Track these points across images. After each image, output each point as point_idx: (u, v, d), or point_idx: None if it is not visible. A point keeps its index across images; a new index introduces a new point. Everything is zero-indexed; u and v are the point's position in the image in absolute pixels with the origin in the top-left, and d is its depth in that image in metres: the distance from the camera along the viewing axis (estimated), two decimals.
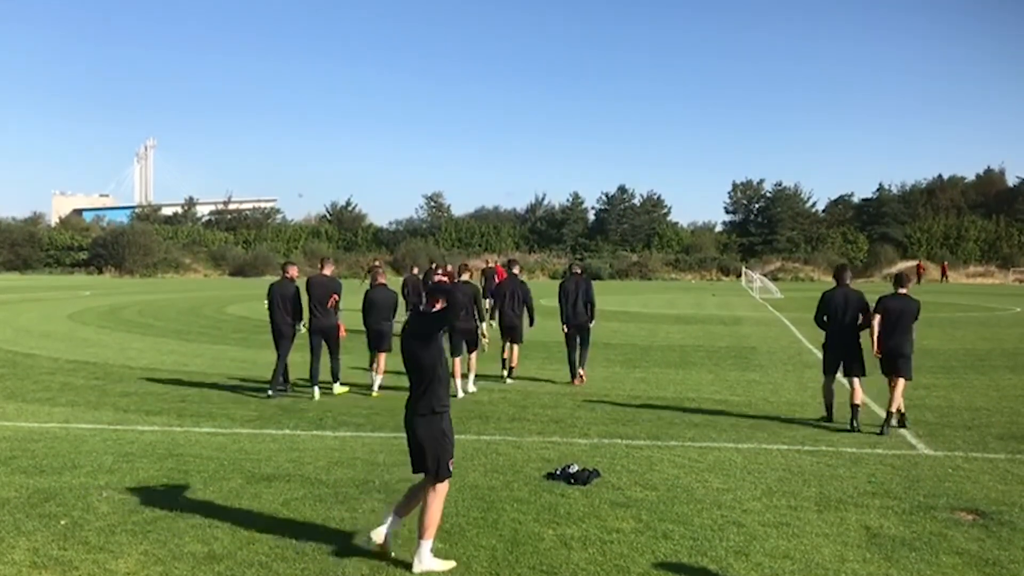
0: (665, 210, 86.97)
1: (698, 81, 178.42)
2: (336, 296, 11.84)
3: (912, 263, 66.61)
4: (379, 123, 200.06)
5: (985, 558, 5.49)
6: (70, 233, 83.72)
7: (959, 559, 5.47)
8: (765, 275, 57.94)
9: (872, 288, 42.58)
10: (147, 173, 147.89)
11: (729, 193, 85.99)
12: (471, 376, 12.11)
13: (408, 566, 5.22)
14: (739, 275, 64.52)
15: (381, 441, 8.83)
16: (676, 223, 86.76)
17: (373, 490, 6.90)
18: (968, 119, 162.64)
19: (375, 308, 12.04)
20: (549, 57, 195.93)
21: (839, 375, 10.08)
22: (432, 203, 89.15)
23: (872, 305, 9.95)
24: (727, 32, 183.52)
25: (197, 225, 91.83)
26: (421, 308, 5.49)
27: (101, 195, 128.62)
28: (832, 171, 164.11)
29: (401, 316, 12.29)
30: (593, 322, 13.22)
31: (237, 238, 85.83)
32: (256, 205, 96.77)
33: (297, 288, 11.99)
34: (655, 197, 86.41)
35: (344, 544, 5.62)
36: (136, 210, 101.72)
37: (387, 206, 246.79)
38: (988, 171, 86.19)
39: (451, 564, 5.24)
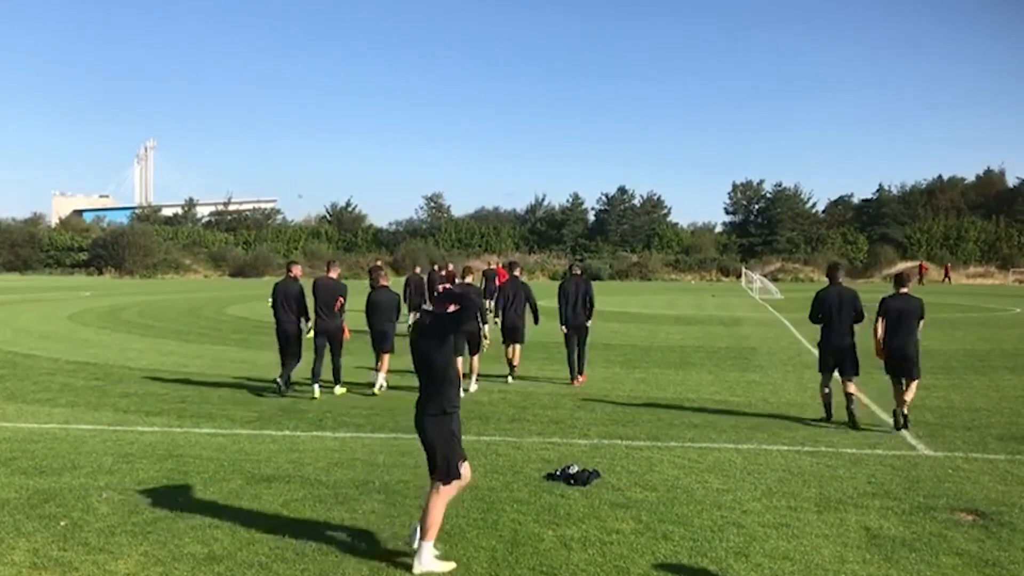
0: (665, 211, 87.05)
1: (698, 82, 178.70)
2: (342, 299, 11.95)
3: (912, 264, 66.67)
4: (379, 123, 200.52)
5: (985, 559, 5.49)
6: (70, 234, 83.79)
7: (959, 560, 5.47)
8: (765, 276, 57.97)
9: (872, 288, 42.62)
10: (147, 174, 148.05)
11: (729, 194, 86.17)
12: (472, 377, 12.19)
13: (408, 567, 5.22)
14: (739, 276, 64.53)
15: (381, 442, 8.83)
16: (676, 224, 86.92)
17: (373, 491, 6.90)
18: (968, 120, 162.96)
19: (378, 309, 12.16)
20: (549, 57, 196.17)
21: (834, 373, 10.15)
22: (432, 204, 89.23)
23: (861, 302, 10.07)
24: (727, 33, 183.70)
25: (197, 226, 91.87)
26: (432, 309, 5.43)
27: (101, 196, 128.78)
28: (832, 172, 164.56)
29: (402, 316, 12.42)
30: (590, 321, 13.31)
31: (237, 239, 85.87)
32: (256, 206, 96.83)
33: (301, 287, 12.09)
34: (655, 198, 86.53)
35: (344, 545, 5.62)
36: (136, 211, 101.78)
37: (387, 207, 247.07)
38: (988, 172, 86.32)
39: (451, 565, 5.24)
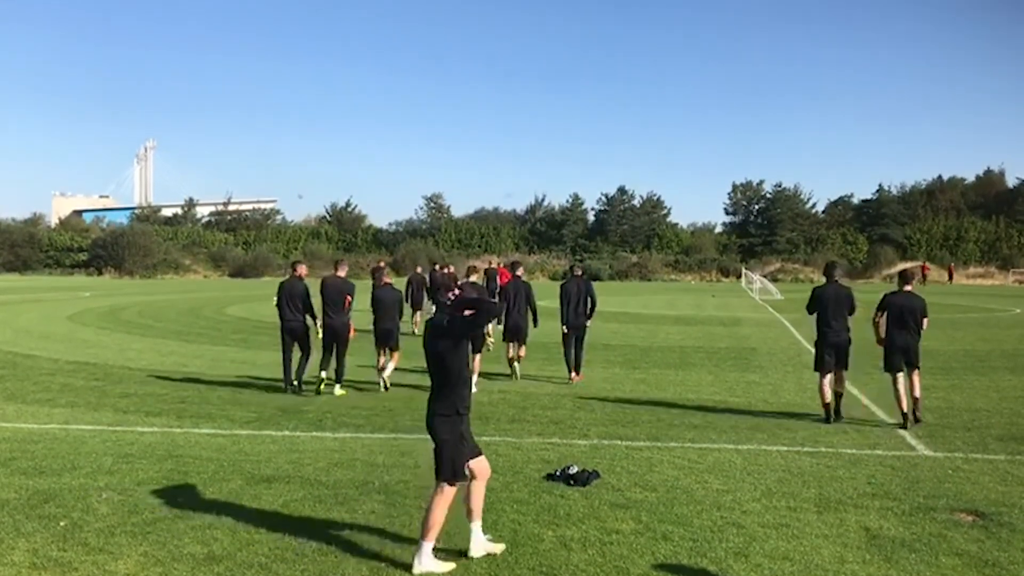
0: (665, 211, 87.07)
1: (698, 82, 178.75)
2: (350, 297, 12.13)
3: (912, 264, 66.71)
4: (379, 123, 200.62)
5: (985, 559, 5.49)
6: (70, 234, 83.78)
7: (959, 560, 5.47)
8: (765, 276, 57.97)
9: (872, 289, 42.60)
10: (147, 174, 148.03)
11: (729, 194, 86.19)
12: (473, 376, 12.19)
13: (408, 567, 5.22)
14: (739, 276, 64.55)
15: (381, 442, 8.83)
16: (676, 224, 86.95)
17: (373, 491, 6.90)
18: (968, 120, 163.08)
19: (383, 307, 12.36)
20: (549, 58, 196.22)
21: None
22: (432, 204, 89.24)
23: (854, 299, 10.30)
24: (727, 33, 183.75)
25: (197, 226, 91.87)
26: (448, 311, 5.41)
27: (101, 196, 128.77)
28: (832, 172, 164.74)
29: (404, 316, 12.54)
30: (591, 321, 13.48)
31: (237, 239, 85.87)
32: (256, 206, 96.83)
33: (306, 287, 12.21)
34: (655, 198, 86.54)
35: (344, 545, 5.62)
36: (136, 211, 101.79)
37: (387, 207, 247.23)
38: (988, 172, 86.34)
39: (451, 566, 5.24)
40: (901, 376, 9.87)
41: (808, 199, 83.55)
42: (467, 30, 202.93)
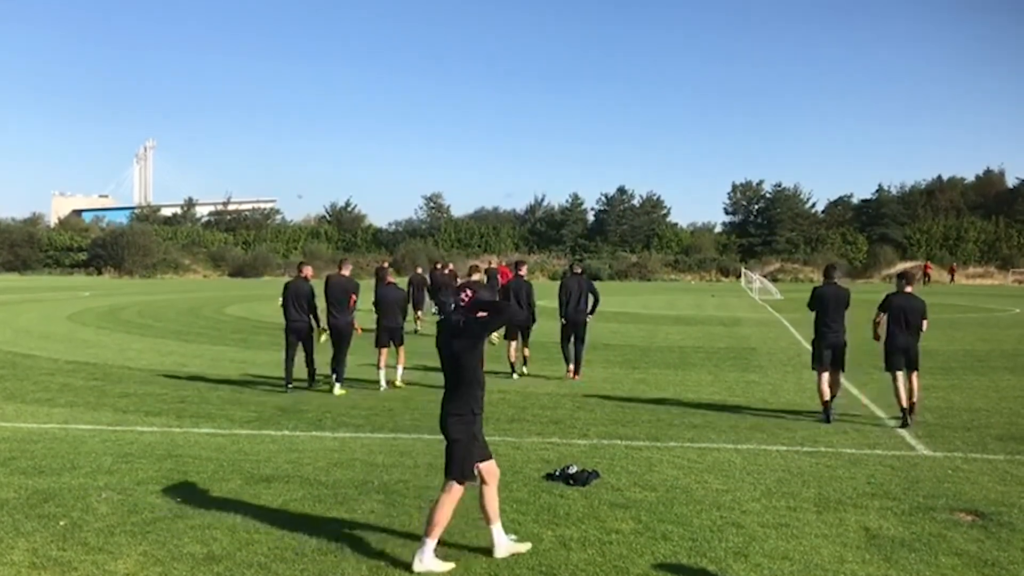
0: (664, 211, 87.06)
1: (698, 82, 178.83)
2: (354, 296, 12.25)
3: (912, 264, 66.77)
4: (379, 123, 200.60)
5: (984, 559, 5.49)
6: (69, 234, 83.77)
7: (958, 560, 5.47)
8: (764, 276, 57.98)
9: (872, 289, 42.60)
10: (146, 174, 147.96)
11: (728, 194, 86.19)
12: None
13: (407, 566, 5.22)
14: (738, 276, 64.56)
15: (380, 442, 8.83)
16: (675, 224, 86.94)
17: (372, 491, 6.90)
18: (968, 120, 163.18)
19: (387, 306, 12.51)
20: (549, 58, 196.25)
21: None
22: (431, 204, 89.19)
23: (850, 300, 10.51)
24: (727, 33, 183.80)
25: (196, 226, 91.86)
26: (464, 311, 5.43)
27: (100, 196, 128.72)
28: (831, 172, 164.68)
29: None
30: (592, 315, 13.73)
31: (236, 239, 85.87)
32: (255, 206, 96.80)
33: (312, 287, 12.32)
34: (654, 198, 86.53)
35: (343, 544, 5.62)
36: (135, 211, 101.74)
37: (386, 207, 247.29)
38: (987, 172, 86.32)
39: (450, 566, 5.24)
40: (901, 375, 9.94)
41: (808, 199, 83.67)
42: (467, 30, 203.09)
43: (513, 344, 13.60)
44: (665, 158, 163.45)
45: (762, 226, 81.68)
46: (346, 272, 12.59)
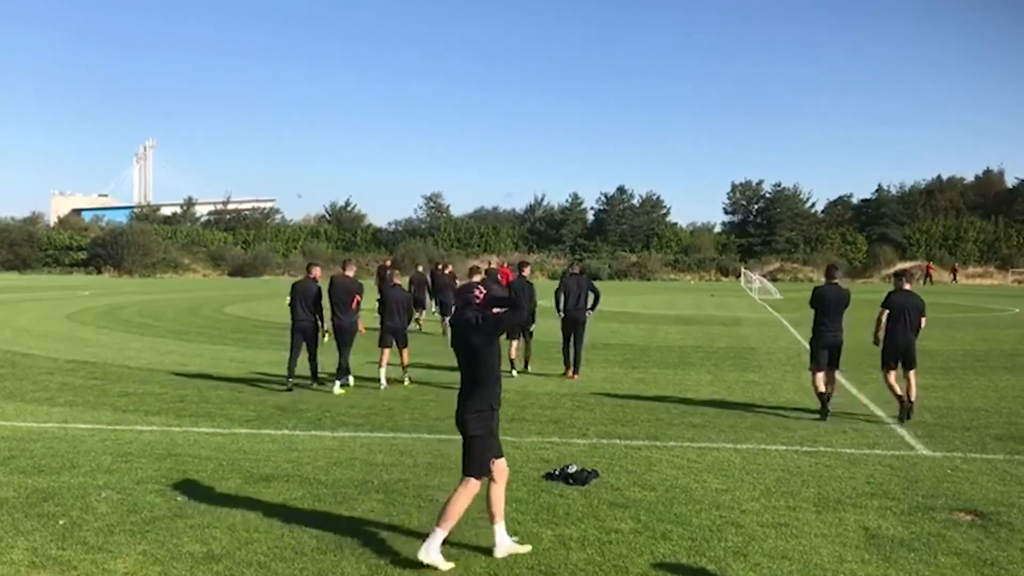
0: (664, 211, 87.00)
1: (697, 82, 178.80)
2: (358, 297, 12.40)
3: (912, 263, 66.82)
4: (379, 123, 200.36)
5: (983, 559, 5.49)
6: (69, 233, 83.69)
7: (957, 560, 5.47)
8: (764, 276, 57.98)
9: (871, 288, 42.60)
10: (146, 173, 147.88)
11: (728, 194, 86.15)
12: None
13: (407, 563, 5.22)
14: (738, 276, 64.57)
15: (380, 441, 8.83)
16: (675, 224, 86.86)
17: (371, 490, 6.90)
18: (967, 120, 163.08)
19: (393, 306, 12.65)
20: (548, 58, 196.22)
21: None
22: (431, 203, 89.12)
23: (849, 301, 10.68)
24: (726, 33, 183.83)
25: (196, 225, 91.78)
26: (480, 308, 5.48)
27: (100, 195, 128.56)
28: (831, 172, 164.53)
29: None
30: (593, 312, 13.87)
31: (236, 238, 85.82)
32: (255, 205, 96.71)
33: (319, 288, 12.44)
34: (654, 197, 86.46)
35: (343, 544, 5.62)
36: (135, 210, 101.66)
37: (386, 206, 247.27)
38: (987, 172, 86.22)
39: (450, 565, 5.24)
40: (894, 373, 10.21)
41: (807, 199, 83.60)
42: (467, 30, 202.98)
43: (515, 344, 13.67)
44: (665, 158, 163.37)
45: (762, 226, 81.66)
46: (350, 273, 12.77)
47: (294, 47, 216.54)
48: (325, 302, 12.34)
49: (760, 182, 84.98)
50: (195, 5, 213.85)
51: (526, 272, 14.17)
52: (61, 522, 6.03)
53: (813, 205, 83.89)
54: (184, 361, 15.43)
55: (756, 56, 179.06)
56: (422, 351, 14.76)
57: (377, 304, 12.96)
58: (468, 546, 5.59)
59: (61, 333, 20.65)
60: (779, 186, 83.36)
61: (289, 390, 12.00)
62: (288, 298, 12.53)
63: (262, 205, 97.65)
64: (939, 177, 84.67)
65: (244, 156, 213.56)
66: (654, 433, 9.32)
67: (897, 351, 10.18)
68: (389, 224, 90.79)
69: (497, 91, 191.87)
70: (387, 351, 12.58)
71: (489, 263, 35.34)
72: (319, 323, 12.40)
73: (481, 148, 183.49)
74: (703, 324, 24.86)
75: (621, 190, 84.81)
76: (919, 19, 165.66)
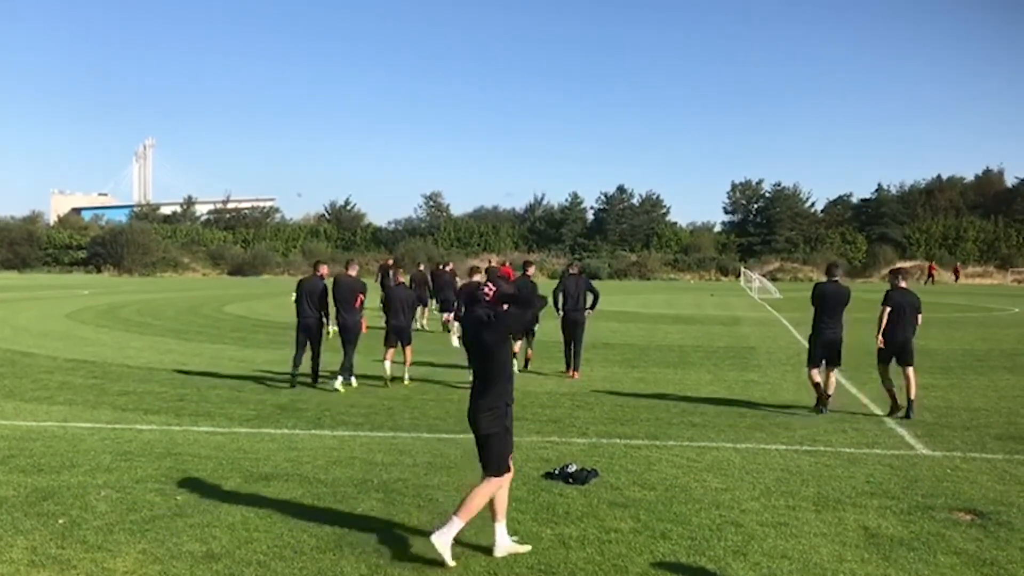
0: (664, 210, 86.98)
1: (697, 81, 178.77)
2: (362, 296, 12.51)
3: (911, 263, 66.89)
4: (378, 122, 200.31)
5: (983, 558, 5.49)
6: (68, 232, 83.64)
7: (957, 559, 5.47)
8: (764, 275, 57.98)
9: (871, 288, 42.59)
10: (146, 172, 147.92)
11: (728, 193, 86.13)
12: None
13: (406, 562, 5.22)
14: (738, 275, 64.57)
15: (379, 440, 8.83)
16: (675, 223, 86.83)
17: (371, 489, 6.90)
18: (967, 120, 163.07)
19: (397, 305, 12.71)
20: (548, 57, 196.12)
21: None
22: (431, 203, 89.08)
23: (849, 299, 10.83)
24: (726, 33, 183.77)
25: (196, 224, 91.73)
26: (485, 304, 5.52)
27: (100, 194, 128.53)
28: (831, 171, 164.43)
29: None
30: (593, 310, 13.93)
31: (236, 237, 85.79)
32: (255, 204, 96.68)
33: (325, 285, 12.61)
34: (654, 197, 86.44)
35: (342, 543, 5.62)
36: (135, 209, 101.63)
37: (386, 206, 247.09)
38: (987, 172, 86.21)
39: (452, 564, 5.25)
40: (889, 368, 10.44)
41: (807, 198, 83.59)
42: (466, 30, 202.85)
43: (518, 343, 13.73)
44: (664, 157, 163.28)
45: (761, 225, 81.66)
46: (353, 272, 12.86)
47: (294, 47, 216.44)
48: (330, 300, 12.47)
49: (760, 181, 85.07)
50: (195, 5, 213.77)
51: (530, 271, 14.21)
52: (60, 521, 6.03)
53: (813, 205, 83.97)
54: (184, 360, 15.43)
55: (756, 56, 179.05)
56: (422, 349, 14.76)
57: (381, 303, 13.03)
58: (468, 545, 5.59)
59: (61, 332, 20.65)
60: (779, 186, 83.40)
61: (292, 386, 12.10)
62: (295, 295, 12.68)
63: (262, 204, 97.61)
64: (939, 177, 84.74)
65: (244, 155, 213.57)
66: (654, 432, 9.33)
67: (894, 348, 10.36)
68: (389, 223, 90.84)
69: (497, 91, 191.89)
70: (392, 351, 12.69)
71: (490, 262, 35.32)
72: (325, 320, 12.53)
73: (481, 147, 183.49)
74: (703, 323, 24.86)
75: (621, 189, 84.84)
76: (919, 19, 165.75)
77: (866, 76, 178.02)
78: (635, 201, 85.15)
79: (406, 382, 12.55)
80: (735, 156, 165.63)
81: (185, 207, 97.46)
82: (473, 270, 13.50)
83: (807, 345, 11.09)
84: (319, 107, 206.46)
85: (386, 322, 12.87)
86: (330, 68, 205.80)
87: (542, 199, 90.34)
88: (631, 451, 8.40)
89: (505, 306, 5.52)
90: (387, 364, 12.57)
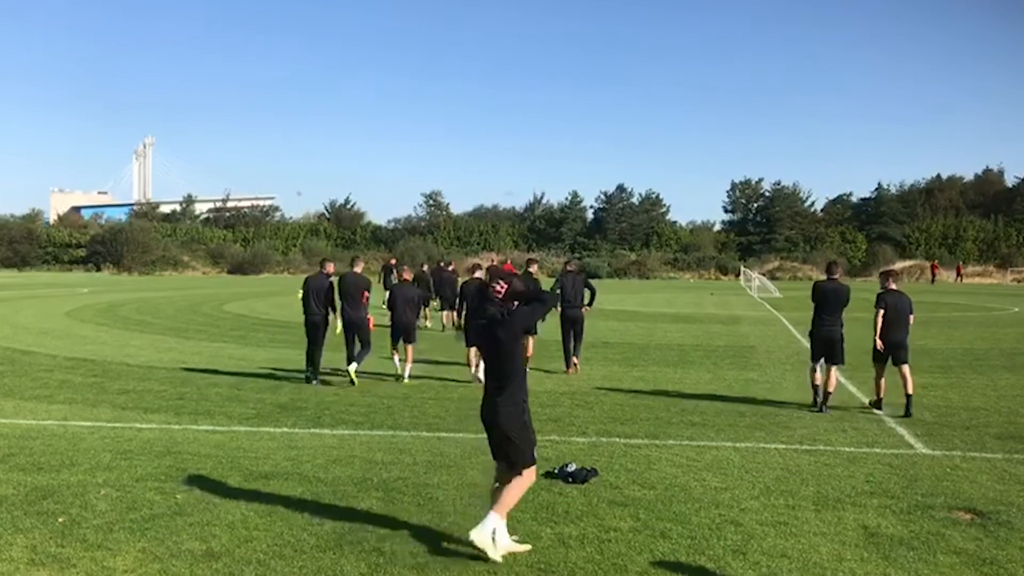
0: (664, 209, 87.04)
1: (697, 81, 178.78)
2: (367, 293, 12.73)
3: (911, 262, 66.92)
4: (378, 121, 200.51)
5: (982, 557, 5.49)
6: (68, 230, 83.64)
7: (956, 558, 5.47)
8: (763, 274, 57.95)
9: (871, 287, 42.50)
10: (146, 171, 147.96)
11: (728, 192, 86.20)
12: (483, 366, 12.38)
13: (406, 561, 5.22)
14: (738, 274, 64.56)
15: (379, 439, 8.83)
16: (675, 222, 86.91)
17: (371, 488, 6.90)
18: (967, 119, 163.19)
19: (402, 302, 12.88)
20: (548, 57, 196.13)
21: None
22: (431, 201, 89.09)
23: (849, 298, 10.92)
24: (726, 33, 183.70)
25: (195, 223, 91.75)
26: (496, 302, 5.56)
27: (100, 192, 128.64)
28: (831, 171, 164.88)
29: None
30: (591, 306, 14.08)
31: (235, 236, 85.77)
32: (254, 203, 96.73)
33: (331, 283, 12.80)
34: (654, 196, 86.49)
35: (342, 542, 5.62)
36: (134, 207, 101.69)
37: (386, 204, 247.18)
38: (987, 171, 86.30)
39: (499, 559, 5.27)
40: (883, 368, 10.61)
41: (807, 197, 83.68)
42: (466, 29, 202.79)
43: (531, 341, 13.80)
44: (664, 156, 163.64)
45: (761, 224, 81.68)
46: (358, 270, 13.06)
47: (294, 46, 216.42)
48: (336, 297, 12.65)
49: (760, 181, 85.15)
50: (195, 5, 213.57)
51: (533, 269, 14.31)
52: (60, 520, 6.03)
53: (813, 204, 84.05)
54: (183, 359, 15.42)
55: (756, 56, 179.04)
56: (422, 348, 14.72)
57: (385, 302, 13.15)
58: (468, 544, 5.58)
59: (60, 330, 20.64)
60: (779, 185, 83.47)
61: (309, 381, 12.39)
62: (300, 292, 12.86)
63: (261, 203, 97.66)
64: (939, 176, 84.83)
65: (243, 154, 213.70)
66: (653, 431, 9.32)
67: (890, 348, 10.52)
68: (389, 222, 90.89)
69: (497, 90, 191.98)
70: (398, 348, 12.93)
71: (491, 261, 35.33)
72: (331, 317, 12.70)
73: (481, 146, 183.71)
74: (702, 322, 24.85)
75: (621, 188, 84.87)
76: (919, 19, 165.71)
77: (866, 76, 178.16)
78: (635, 200, 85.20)
79: (406, 380, 12.61)
80: (735, 155, 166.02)
81: (185, 206, 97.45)
82: (474, 268, 13.58)
83: (808, 344, 11.12)
84: (319, 106, 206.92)
85: (391, 319, 13.01)
86: (330, 67, 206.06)
87: (542, 198, 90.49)
88: (631, 450, 8.40)
89: (515, 303, 5.54)
90: (397, 360, 12.87)
